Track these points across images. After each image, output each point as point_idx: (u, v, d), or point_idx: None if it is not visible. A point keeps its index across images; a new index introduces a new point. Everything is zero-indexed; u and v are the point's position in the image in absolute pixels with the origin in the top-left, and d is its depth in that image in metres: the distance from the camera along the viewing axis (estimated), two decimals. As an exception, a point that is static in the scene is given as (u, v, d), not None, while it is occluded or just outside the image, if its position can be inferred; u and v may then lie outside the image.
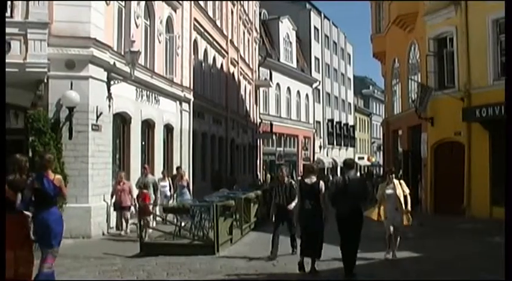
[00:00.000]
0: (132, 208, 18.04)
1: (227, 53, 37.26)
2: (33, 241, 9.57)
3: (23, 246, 9.29)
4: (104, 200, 17.51)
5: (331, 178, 47.01)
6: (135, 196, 18.13)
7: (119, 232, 17.82)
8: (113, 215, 18.14)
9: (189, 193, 20.57)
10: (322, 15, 69.77)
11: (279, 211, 13.85)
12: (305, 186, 12.21)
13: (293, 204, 13.53)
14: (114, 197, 17.72)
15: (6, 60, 15.07)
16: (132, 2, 20.46)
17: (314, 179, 12.23)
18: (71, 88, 16.27)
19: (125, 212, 17.90)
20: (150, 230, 16.67)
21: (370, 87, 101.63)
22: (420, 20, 27.29)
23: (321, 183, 12.24)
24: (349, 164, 12.46)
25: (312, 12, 66.26)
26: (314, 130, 64.89)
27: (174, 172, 22.44)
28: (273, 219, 14.01)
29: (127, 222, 17.93)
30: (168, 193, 19.96)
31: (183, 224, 16.58)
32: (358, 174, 13.61)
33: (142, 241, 14.87)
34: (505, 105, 13.17)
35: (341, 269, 11.71)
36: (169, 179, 20.48)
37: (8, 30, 15.35)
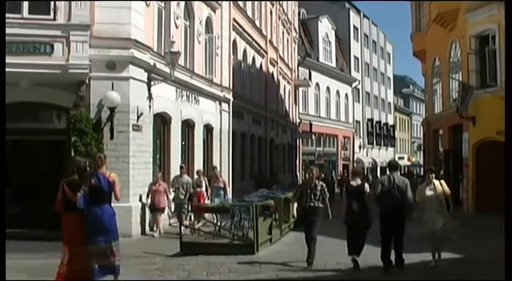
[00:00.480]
0: (167, 210, 18.09)
1: (266, 53, 37.27)
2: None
3: (81, 243, 9.81)
4: (140, 200, 17.64)
5: (370, 178, 46.91)
6: (171, 197, 18.24)
7: (153, 232, 17.81)
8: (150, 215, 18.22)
9: (225, 193, 20.54)
10: (362, 15, 69.38)
11: (307, 215, 13.22)
12: (352, 188, 12.90)
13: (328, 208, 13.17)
14: (149, 197, 17.71)
15: (50, 62, 15.42)
16: (172, 2, 20.60)
17: (359, 181, 12.92)
18: (112, 89, 16.46)
19: (159, 213, 17.86)
20: (197, 226, 16.78)
21: (410, 86, 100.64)
22: (461, 18, 26.92)
23: (366, 185, 12.88)
24: (394, 165, 13.23)
25: (351, 12, 65.93)
26: (353, 130, 64.52)
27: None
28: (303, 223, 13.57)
29: (160, 223, 17.86)
30: (204, 194, 19.91)
31: (222, 223, 16.66)
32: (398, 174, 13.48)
33: (182, 240, 14.97)
34: (505, 105, 13.19)
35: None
36: (205, 179, 20.55)
37: (51, 32, 15.68)
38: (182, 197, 18.37)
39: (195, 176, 20.28)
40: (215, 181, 20.39)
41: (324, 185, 13.47)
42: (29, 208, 17.21)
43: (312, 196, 13.07)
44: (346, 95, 63.35)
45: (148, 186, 17.84)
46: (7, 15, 15.72)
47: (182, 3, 21.78)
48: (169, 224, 19.13)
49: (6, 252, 14.02)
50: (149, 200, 17.68)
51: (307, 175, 14.62)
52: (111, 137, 16.60)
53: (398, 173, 13.19)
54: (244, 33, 31.34)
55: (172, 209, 18.86)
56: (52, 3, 15.98)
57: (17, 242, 15.62)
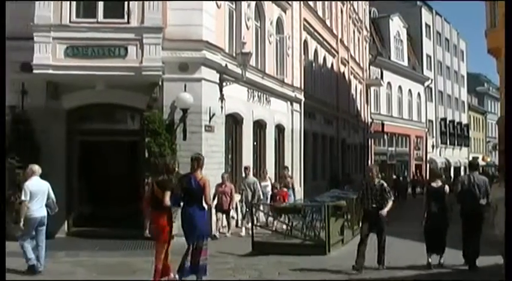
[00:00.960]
0: (232, 211, 17.99)
1: (337, 52, 37.03)
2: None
3: (166, 240, 10.39)
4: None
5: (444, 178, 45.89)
6: (238, 198, 18.20)
7: (224, 233, 17.71)
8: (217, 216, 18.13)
9: (293, 194, 20.41)
10: (434, 12, 68.10)
11: (367, 218, 12.54)
12: (432, 189, 12.86)
13: (386, 209, 12.26)
14: (216, 199, 17.26)
15: (124, 64, 15.66)
16: (243, 4, 20.69)
17: (440, 183, 12.95)
18: (185, 90, 16.61)
19: (225, 214, 17.71)
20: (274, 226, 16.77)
21: (485, 84, 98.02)
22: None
23: (446, 187, 12.82)
24: (474, 164, 13.57)
25: (423, 9, 64.83)
26: (426, 129, 63.40)
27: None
28: (361, 226, 13.08)
29: (229, 225, 17.76)
30: (270, 194, 19.84)
31: (294, 224, 16.61)
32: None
33: (254, 240, 14.99)
34: (505, 105, 12.82)
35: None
36: (271, 179, 20.44)
37: (125, 35, 15.94)
38: (250, 198, 18.30)
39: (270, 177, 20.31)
40: (283, 180, 20.35)
41: (386, 185, 12.69)
42: (102, 208, 17.59)
43: (373, 197, 12.36)
44: (419, 94, 62.31)
45: (215, 187, 17.68)
46: (84, 19, 16.20)
47: (253, 4, 21.84)
48: (236, 226, 19.09)
49: (79, 250, 14.48)
50: (215, 201, 17.25)
51: (366, 175, 13.76)
52: (184, 138, 16.75)
53: (477, 173, 13.06)
54: (315, 33, 31.21)
55: (239, 210, 18.82)
56: (126, 7, 16.24)
57: (89, 240, 16.03)
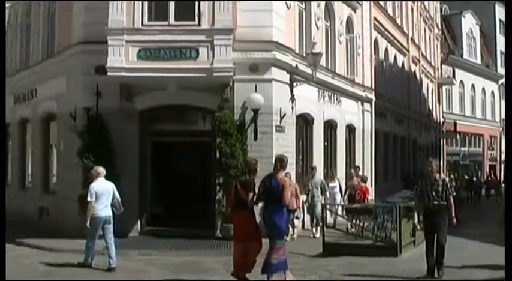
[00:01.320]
0: (298, 212, 17.71)
1: (408, 51, 36.47)
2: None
3: (251, 239, 10.52)
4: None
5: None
6: (303, 198, 18.04)
7: (291, 234, 17.11)
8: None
9: None
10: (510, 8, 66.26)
11: (429, 217, 11.79)
12: None
13: (452, 210, 11.58)
14: None
15: (195, 66, 15.81)
16: (312, 4, 20.62)
17: None
18: (256, 91, 16.66)
19: (291, 214, 16.60)
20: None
21: None
22: None
23: None
24: None
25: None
26: (501, 129, 61.76)
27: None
28: (423, 226, 12.47)
29: (293, 226, 17.11)
30: (338, 195, 19.59)
31: (365, 224, 16.44)
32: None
33: (324, 241, 14.91)
34: (505, 104, 12.24)
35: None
36: (339, 179, 20.24)
37: (196, 37, 16.11)
38: (317, 198, 18.06)
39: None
40: (349, 179, 20.15)
41: (447, 180, 11.97)
42: (174, 208, 17.81)
43: (434, 193, 11.53)
44: (492, 92, 60.76)
45: None
46: (155, 23, 16.45)
47: (322, 4, 21.75)
48: (302, 227, 18.92)
49: (152, 249, 14.72)
50: None
51: (425, 169, 12.50)
52: (255, 138, 16.81)
53: None
54: (386, 32, 30.84)
55: (305, 210, 18.66)
56: (197, 9, 16.40)
57: (161, 239, 16.26)
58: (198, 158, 18.48)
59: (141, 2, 16.35)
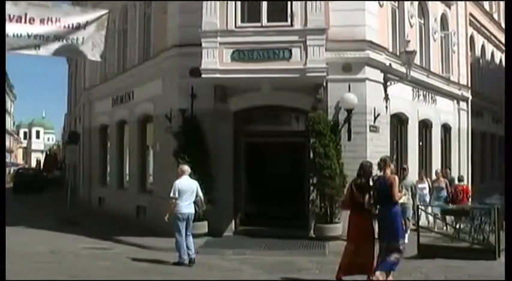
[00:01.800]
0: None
1: (506, 47, 35.32)
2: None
3: (365, 240, 10.58)
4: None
5: None
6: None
7: None
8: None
9: (448, 194, 19.58)
10: None
11: None
12: None
13: None
14: None
15: (288, 67, 15.84)
16: (406, 2, 20.29)
17: None
18: (349, 91, 16.57)
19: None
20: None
21: None
22: None
23: None
24: None
25: None
26: None
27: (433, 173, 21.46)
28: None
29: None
30: (428, 197, 19.00)
31: (461, 226, 16.02)
32: None
33: (419, 243, 14.62)
34: (505, 105, 11.49)
35: None
36: (428, 180, 19.76)
37: (288, 38, 16.13)
38: (408, 201, 17.62)
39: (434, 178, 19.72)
40: (436, 180, 19.64)
41: None
42: (267, 208, 17.90)
43: None
44: None
45: None
46: (248, 24, 16.59)
47: (416, 2, 21.36)
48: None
49: (246, 248, 14.85)
50: None
51: None
52: (349, 139, 16.70)
53: None
54: (482, 28, 29.94)
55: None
56: (289, 10, 16.43)
57: (254, 239, 16.37)
58: (291, 159, 18.52)
59: (233, 4, 16.52)
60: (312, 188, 16.48)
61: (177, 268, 12.80)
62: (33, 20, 14.55)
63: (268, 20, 16.57)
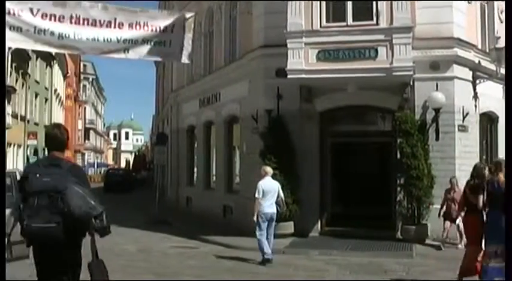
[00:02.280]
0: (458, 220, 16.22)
1: None
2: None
3: (475, 243, 10.45)
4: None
5: None
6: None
7: (455, 244, 15.50)
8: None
9: None
10: None
11: None
12: None
13: None
14: (444, 206, 15.66)
15: (374, 66, 15.68)
16: (495, -2, 19.77)
17: None
18: (437, 89, 16.29)
19: (452, 223, 15.47)
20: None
21: None
22: None
23: None
24: None
25: None
26: None
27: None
28: None
29: (461, 235, 14.93)
30: None
31: None
32: None
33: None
34: (505, 104, 10.67)
35: None
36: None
37: (374, 37, 15.95)
38: None
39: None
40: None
41: None
42: (353, 208, 17.80)
43: None
44: None
45: (443, 193, 15.89)
46: (334, 24, 16.52)
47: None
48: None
49: (332, 249, 14.80)
50: (443, 209, 15.68)
51: None
52: (437, 138, 16.40)
53: None
54: None
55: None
56: (374, 8, 16.26)
57: (340, 240, 16.29)
58: (377, 159, 18.37)
59: (319, 4, 16.48)
60: (399, 188, 16.26)
61: (262, 268, 12.89)
62: (122, 24, 14.83)
63: (354, 19, 16.43)
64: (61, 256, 5.82)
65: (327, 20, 16.65)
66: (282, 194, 13.68)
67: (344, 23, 16.46)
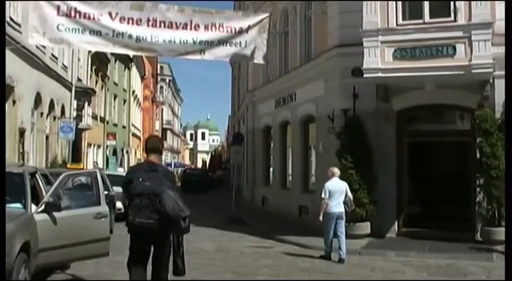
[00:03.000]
0: None
1: None
2: None
3: None
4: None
5: None
6: None
7: None
8: None
9: None
10: None
11: None
12: None
13: None
14: None
15: (452, 64, 15.37)
16: None
17: None
18: (516, 87, 15.85)
19: None
20: None
21: None
22: None
23: None
24: None
25: None
26: None
27: None
28: None
29: None
30: None
31: None
32: None
33: None
34: (505, 104, 9.77)
35: None
36: None
37: (452, 34, 15.62)
38: None
39: None
40: None
41: None
42: (431, 209, 17.54)
43: None
44: None
45: None
46: (410, 21, 16.31)
47: None
48: None
49: (409, 250, 14.64)
50: None
51: None
52: (516, 138, 15.96)
53: None
54: None
55: None
56: (452, 5, 15.94)
57: (418, 241, 16.07)
58: (456, 159, 18.03)
59: (394, 2, 16.30)
60: (478, 189, 15.89)
61: (338, 268, 12.89)
62: (198, 26, 15.16)
63: (431, 16, 16.15)
64: (154, 244, 7.72)
65: (403, 18, 16.44)
66: (350, 194, 14.07)
67: (421, 21, 16.20)
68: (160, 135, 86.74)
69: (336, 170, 14.33)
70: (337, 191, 13.81)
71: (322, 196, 13.81)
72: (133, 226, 7.58)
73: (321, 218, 13.76)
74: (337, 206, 13.73)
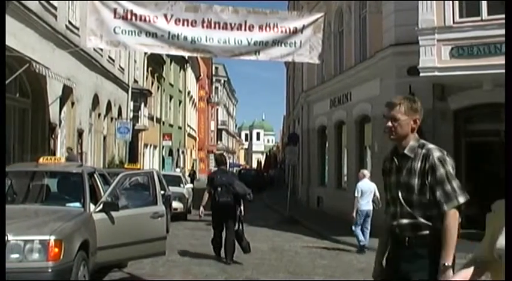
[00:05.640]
0: None
1: None
2: None
3: None
4: None
5: None
6: None
7: None
8: None
9: None
10: None
11: None
12: None
13: None
14: None
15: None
16: None
17: None
18: None
19: None
20: None
21: None
22: None
23: None
24: None
25: None
26: None
27: None
28: None
29: None
30: None
31: None
32: None
33: None
34: (505, 105, 8.79)
35: None
36: None
37: (511, 31, 15.30)
38: None
39: None
40: None
41: None
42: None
43: None
44: None
45: None
46: (467, 19, 16.03)
47: None
48: None
49: (466, 252, 14.29)
50: None
51: None
52: None
53: None
54: None
55: None
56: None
57: (475, 243, 15.63)
58: None
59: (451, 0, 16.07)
60: None
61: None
62: (253, 27, 15.23)
63: (489, 13, 15.85)
64: (231, 212, 12.69)
65: (460, 16, 16.17)
66: (377, 194, 15.07)
67: (478, 18, 15.92)
68: (215, 136, 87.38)
69: (366, 172, 15.73)
70: (367, 191, 15.18)
71: (355, 195, 15.20)
72: (218, 203, 12.62)
73: (354, 214, 15.06)
74: (367, 204, 15.14)
